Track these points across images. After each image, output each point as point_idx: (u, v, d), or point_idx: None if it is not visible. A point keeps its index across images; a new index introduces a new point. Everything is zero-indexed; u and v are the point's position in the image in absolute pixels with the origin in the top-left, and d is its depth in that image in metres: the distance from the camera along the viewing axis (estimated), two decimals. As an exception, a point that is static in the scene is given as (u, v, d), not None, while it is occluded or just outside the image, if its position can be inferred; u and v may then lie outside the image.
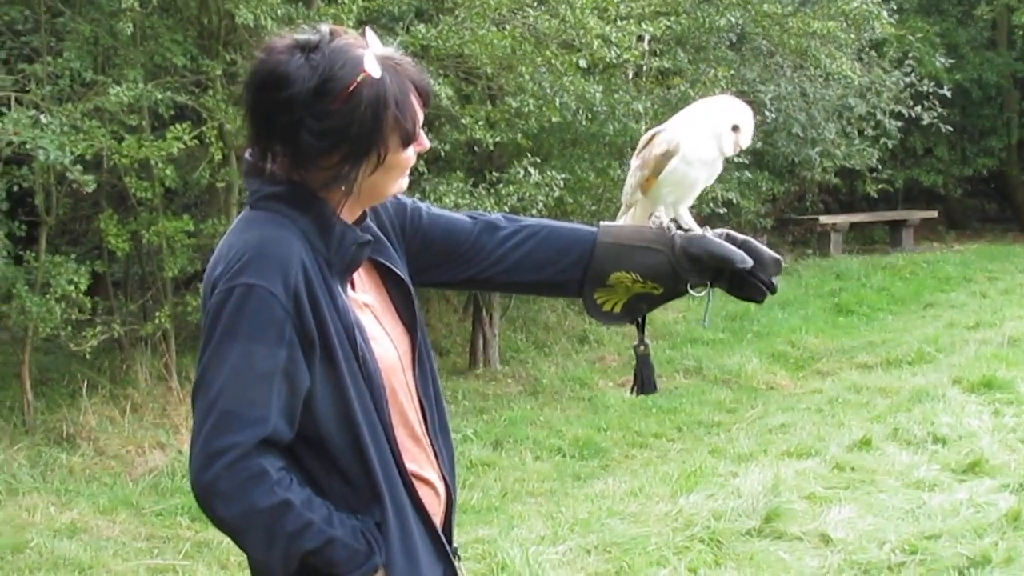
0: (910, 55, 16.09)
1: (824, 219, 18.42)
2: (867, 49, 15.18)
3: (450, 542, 2.57)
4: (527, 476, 8.60)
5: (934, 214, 19.88)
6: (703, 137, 2.63)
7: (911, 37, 16.53)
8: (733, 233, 2.62)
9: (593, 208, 10.63)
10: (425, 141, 2.44)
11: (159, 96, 8.36)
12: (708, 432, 9.62)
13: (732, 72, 12.15)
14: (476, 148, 10.78)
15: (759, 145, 13.43)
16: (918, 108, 15.13)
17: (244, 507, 2.24)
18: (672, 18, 11.03)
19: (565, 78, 9.67)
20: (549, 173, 9.78)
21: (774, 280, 2.61)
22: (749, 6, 11.87)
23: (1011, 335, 11.23)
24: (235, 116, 8.44)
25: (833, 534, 6.29)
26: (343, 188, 2.35)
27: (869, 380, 10.69)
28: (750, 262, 2.55)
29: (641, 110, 10.39)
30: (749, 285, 2.60)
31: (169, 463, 8.40)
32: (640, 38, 10.77)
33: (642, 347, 2.75)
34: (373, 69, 2.29)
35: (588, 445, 9.27)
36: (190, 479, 2.28)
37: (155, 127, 9.09)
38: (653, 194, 2.69)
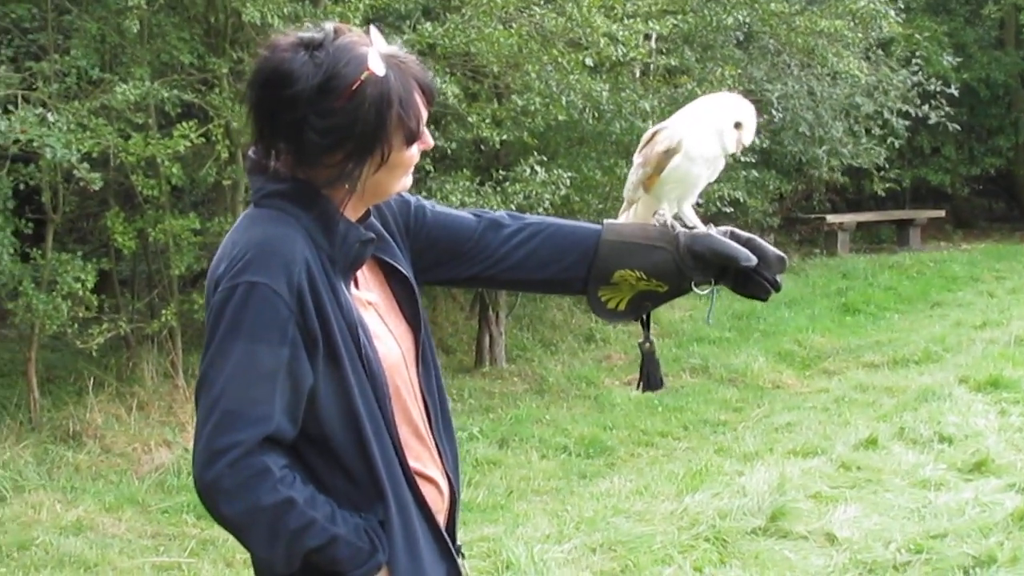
0: (917, 54, 16.07)
1: (831, 218, 18.39)
2: (874, 48, 15.17)
3: (454, 540, 2.57)
4: (533, 474, 8.61)
5: (941, 213, 19.83)
6: (705, 134, 2.62)
7: (918, 36, 16.49)
8: (737, 231, 2.62)
9: (600, 207, 10.63)
10: (429, 139, 2.43)
11: (166, 94, 8.38)
12: (714, 431, 9.62)
13: (739, 71, 12.15)
14: (483, 146, 10.79)
15: (766, 144, 13.42)
16: (925, 107, 15.12)
17: (247, 505, 2.24)
18: (679, 16, 11.03)
19: (572, 76, 9.67)
20: (555, 171, 9.79)
21: (778, 278, 2.61)
22: (756, 5, 11.86)
23: (1018, 334, 11.20)
24: (241, 114, 8.43)
25: (838, 533, 6.28)
26: (347, 186, 2.35)
27: (875, 379, 10.69)
28: (754, 260, 2.55)
29: (648, 108, 10.38)
30: (753, 283, 2.60)
31: (175, 461, 8.41)
32: (647, 36, 10.77)
33: (647, 344, 2.75)
34: (377, 67, 2.29)
35: (594, 443, 9.27)
36: (193, 477, 2.28)
37: (162, 125, 9.11)
38: (656, 191, 2.68)
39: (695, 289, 2.63)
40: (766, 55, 13.83)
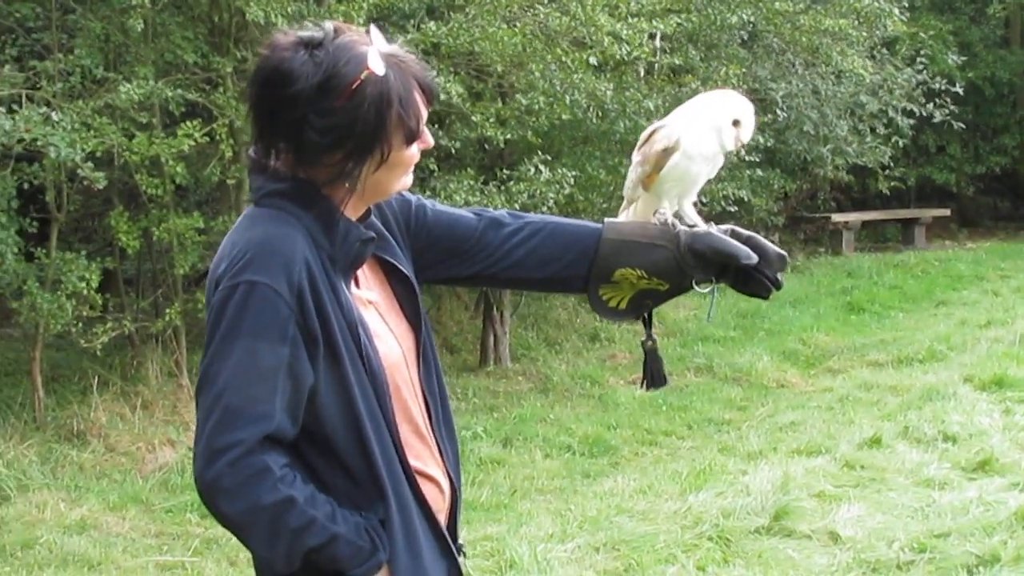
0: (922, 52, 16.06)
1: (836, 217, 18.38)
2: (879, 47, 15.15)
3: (455, 539, 2.57)
4: (536, 473, 8.60)
5: (946, 212, 19.80)
6: (703, 132, 2.63)
7: (923, 35, 16.48)
8: (738, 229, 2.63)
9: (604, 206, 10.63)
10: (429, 138, 2.43)
11: (170, 93, 8.38)
12: (718, 430, 9.61)
13: (744, 70, 12.14)
14: (487, 146, 10.79)
15: (771, 143, 13.42)
16: (930, 106, 15.10)
17: (247, 504, 2.24)
18: (683, 15, 11.01)
19: (576, 75, 9.67)
20: (560, 170, 9.79)
21: (779, 276, 2.61)
22: (760, 3, 11.85)
23: (1023, 333, 11.19)
24: (245, 113, 8.44)
25: (842, 532, 6.28)
26: (347, 185, 2.35)
27: (880, 378, 10.68)
28: (755, 258, 2.56)
29: (652, 108, 10.37)
30: (754, 281, 2.61)
31: (179, 460, 8.42)
32: (651, 35, 10.76)
33: (649, 342, 2.76)
34: (377, 66, 2.29)
35: (598, 443, 9.27)
36: (194, 475, 2.29)
37: (166, 124, 9.11)
38: (655, 189, 2.68)
39: (696, 287, 2.64)
40: (770, 54, 13.83)
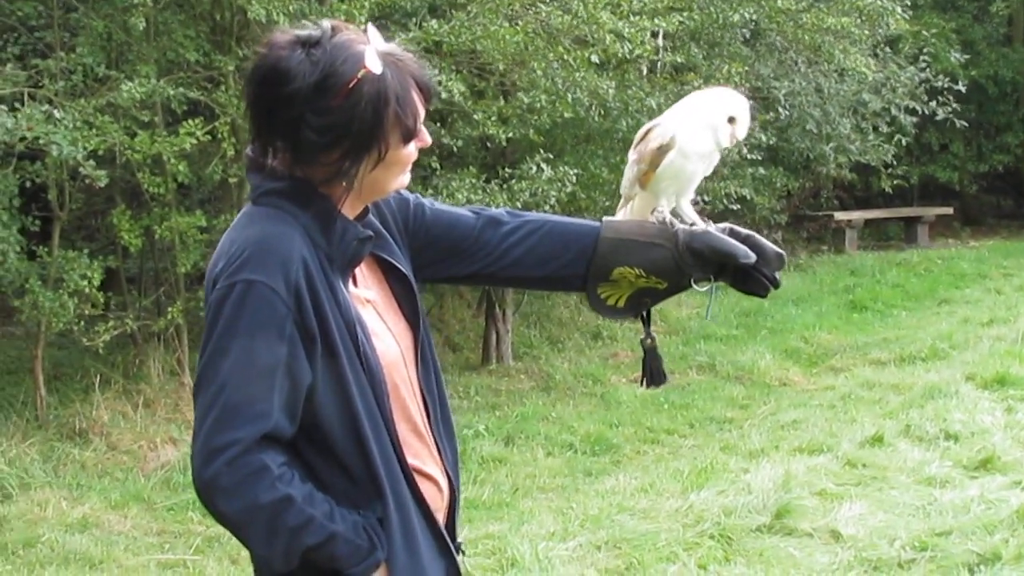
0: (925, 51, 16.05)
1: (839, 215, 18.37)
2: (882, 45, 15.14)
3: (453, 538, 2.56)
4: (538, 472, 8.60)
5: (949, 210, 19.77)
6: (698, 130, 2.62)
7: (926, 33, 16.45)
8: (736, 227, 2.62)
9: (606, 204, 10.61)
10: (427, 137, 2.43)
11: (172, 92, 8.38)
12: (720, 428, 9.62)
13: (746, 68, 12.12)
14: (488, 144, 10.79)
15: (773, 141, 13.41)
16: (933, 104, 15.08)
17: (245, 503, 2.24)
18: (685, 14, 10.99)
19: (578, 74, 9.66)
20: (562, 169, 9.78)
21: (777, 275, 2.61)
22: (763, 2, 11.83)
23: (1025, 331, 11.19)
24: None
25: (844, 530, 6.28)
26: (344, 184, 2.35)
27: (882, 376, 10.67)
28: (753, 257, 2.56)
29: (655, 106, 10.35)
30: (753, 280, 2.60)
31: (181, 458, 8.42)
32: (654, 33, 10.75)
33: (649, 340, 2.75)
34: (374, 65, 2.29)
35: (600, 441, 9.27)
36: (192, 474, 2.29)
37: (168, 123, 9.12)
38: (652, 188, 2.68)
39: (694, 286, 2.64)
40: (773, 52, 13.81)
